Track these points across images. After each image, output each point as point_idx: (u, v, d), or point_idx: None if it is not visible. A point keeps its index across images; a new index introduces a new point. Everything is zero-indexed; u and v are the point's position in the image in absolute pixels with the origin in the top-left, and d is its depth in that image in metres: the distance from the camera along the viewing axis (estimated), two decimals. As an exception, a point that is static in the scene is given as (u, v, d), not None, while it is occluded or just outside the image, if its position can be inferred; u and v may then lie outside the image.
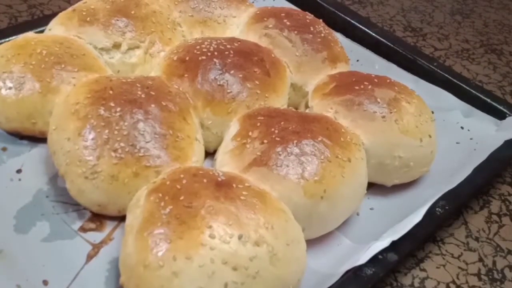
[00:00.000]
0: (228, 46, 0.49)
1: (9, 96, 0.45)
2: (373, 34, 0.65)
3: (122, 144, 0.40)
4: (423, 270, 0.44)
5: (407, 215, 0.43)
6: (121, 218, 0.41)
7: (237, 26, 0.58)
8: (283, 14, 0.56)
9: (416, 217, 0.41)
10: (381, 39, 0.64)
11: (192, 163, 0.43)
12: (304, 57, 0.53)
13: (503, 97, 0.66)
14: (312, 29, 0.55)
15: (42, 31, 0.53)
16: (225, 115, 0.46)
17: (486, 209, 0.50)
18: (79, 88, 0.44)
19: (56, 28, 0.52)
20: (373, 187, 0.46)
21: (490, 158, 0.49)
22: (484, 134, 0.54)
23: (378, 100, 0.47)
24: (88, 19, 0.51)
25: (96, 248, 0.40)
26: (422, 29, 0.79)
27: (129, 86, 0.44)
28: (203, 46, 0.49)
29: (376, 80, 0.49)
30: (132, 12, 0.52)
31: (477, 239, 0.47)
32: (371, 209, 0.46)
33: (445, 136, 0.52)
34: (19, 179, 0.44)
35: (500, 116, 0.57)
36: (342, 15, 0.67)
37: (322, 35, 0.55)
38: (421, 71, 0.61)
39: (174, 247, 0.33)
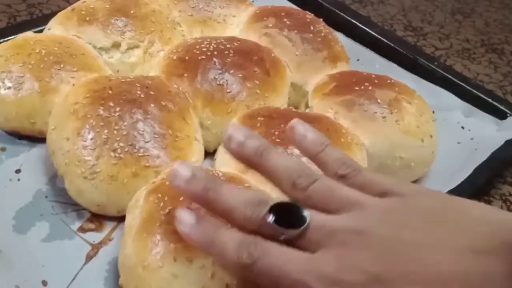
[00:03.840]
0: (228, 46, 0.49)
1: (8, 96, 0.45)
2: (374, 34, 0.65)
3: (121, 144, 0.40)
4: (424, 270, 0.44)
5: (408, 215, 0.43)
6: (121, 219, 0.41)
7: (237, 26, 0.58)
8: (283, 13, 0.56)
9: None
10: (382, 38, 0.64)
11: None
12: (304, 56, 0.53)
13: (504, 96, 0.66)
14: (312, 28, 0.55)
15: (41, 31, 0.53)
16: (225, 115, 0.46)
17: (487, 209, 0.50)
18: (78, 87, 0.44)
19: (55, 28, 0.51)
20: (373, 187, 0.46)
21: (491, 158, 0.49)
22: (485, 134, 0.54)
23: (379, 100, 0.46)
24: (87, 18, 0.51)
25: (96, 248, 0.40)
26: (423, 28, 0.79)
27: (129, 85, 0.44)
28: (203, 45, 0.49)
29: (376, 80, 0.49)
30: (132, 12, 0.52)
31: (478, 239, 0.47)
32: (372, 209, 0.46)
33: (446, 136, 0.52)
34: (18, 179, 0.44)
35: (501, 116, 0.56)
36: (343, 14, 0.67)
37: (322, 34, 0.55)
38: (421, 70, 0.61)
39: (174, 248, 0.33)
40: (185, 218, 0.28)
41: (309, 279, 0.24)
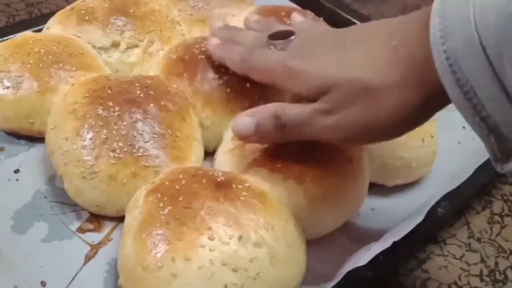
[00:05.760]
0: (228, 45, 0.49)
1: (7, 96, 0.45)
2: (374, 33, 0.64)
3: (120, 144, 0.40)
4: (425, 271, 0.43)
5: (409, 215, 0.43)
6: (120, 219, 0.41)
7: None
8: (283, 13, 0.56)
9: (418, 218, 0.41)
10: (382, 37, 0.64)
11: (191, 163, 0.42)
12: (305, 56, 0.53)
13: (505, 96, 0.66)
14: (312, 27, 0.55)
15: (40, 30, 0.53)
16: (225, 115, 0.46)
17: (488, 209, 0.50)
18: (77, 87, 0.44)
19: (54, 27, 0.51)
20: (374, 188, 0.46)
21: (492, 158, 0.49)
22: (486, 134, 0.54)
23: (379, 99, 0.46)
24: (86, 18, 0.50)
25: (95, 249, 0.40)
26: (423, 28, 0.79)
27: (128, 85, 0.44)
28: (203, 45, 0.49)
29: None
30: (131, 11, 0.52)
31: (479, 240, 0.47)
32: (372, 209, 0.46)
33: (447, 136, 0.52)
34: (17, 179, 0.44)
35: (502, 115, 0.56)
36: (343, 14, 0.67)
37: (323, 33, 0.55)
38: (422, 70, 0.60)
39: (173, 248, 0.33)
40: (213, 41, 0.45)
41: (275, 64, 0.37)
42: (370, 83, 0.31)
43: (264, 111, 0.36)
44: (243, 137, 0.38)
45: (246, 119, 0.37)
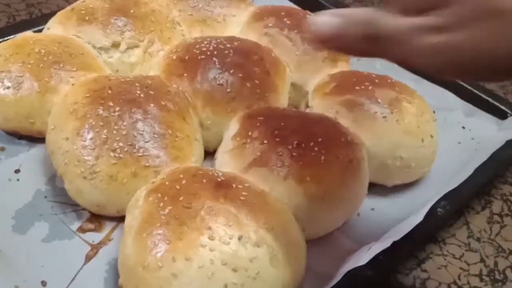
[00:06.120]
0: (228, 45, 0.49)
1: (7, 96, 0.45)
2: (374, 33, 0.64)
3: (121, 144, 0.40)
4: (424, 270, 0.44)
5: (408, 215, 0.43)
6: (120, 219, 0.41)
7: (237, 25, 0.58)
8: (283, 13, 0.56)
9: (417, 218, 0.41)
10: (382, 38, 0.64)
11: (191, 163, 0.42)
12: (305, 56, 0.53)
13: (505, 96, 0.66)
14: (312, 28, 0.55)
15: (40, 30, 0.53)
16: (225, 115, 0.46)
17: (488, 209, 0.50)
18: (78, 87, 0.44)
19: (54, 27, 0.51)
20: (374, 188, 0.46)
21: (492, 158, 0.49)
22: (485, 134, 0.54)
23: (379, 100, 0.46)
24: (86, 18, 0.50)
25: (95, 248, 0.40)
26: (423, 28, 0.79)
27: (128, 85, 0.44)
28: (203, 45, 0.49)
29: (377, 80, 0.49)
30: (131, 11, 0.52)
31: (478, 239, 0.47)
32: (372, 209, 0.46)
33: (447, 136, 0.52)
34: (18, 179, 0.44)
35: (502, 115, 0.56)
36: (343, 14, 0.67)
37: (323, 34, 0.55)
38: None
39: (173, 248, 0.33)
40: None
41: None
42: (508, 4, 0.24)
43: (355, 14, 0.28)
44: (320, 38, 0.29)
45: (331, 18, 0.29)
